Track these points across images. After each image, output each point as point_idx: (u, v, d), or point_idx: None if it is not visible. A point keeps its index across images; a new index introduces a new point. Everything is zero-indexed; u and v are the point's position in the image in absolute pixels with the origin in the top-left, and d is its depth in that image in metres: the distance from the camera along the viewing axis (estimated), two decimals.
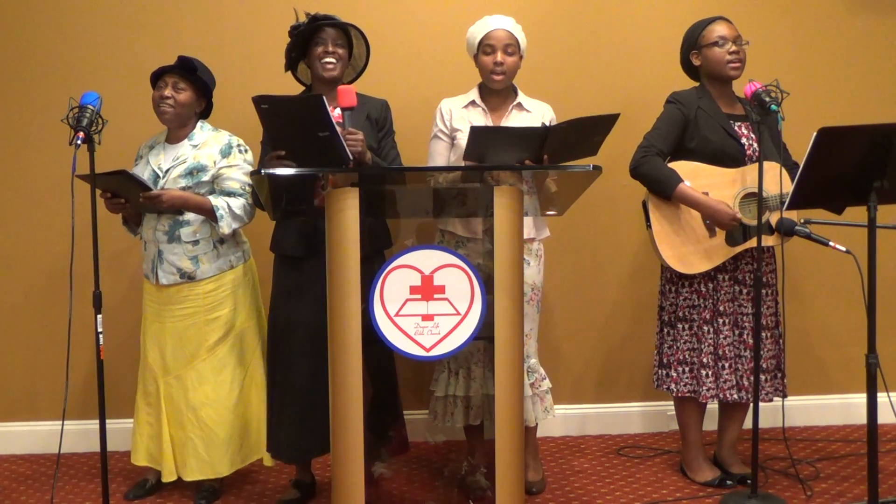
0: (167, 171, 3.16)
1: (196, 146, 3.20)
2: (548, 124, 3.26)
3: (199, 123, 3.26)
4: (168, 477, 3.24)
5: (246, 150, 3.25)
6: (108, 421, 2.95)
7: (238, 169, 3.19)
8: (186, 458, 3.23)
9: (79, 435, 3.76)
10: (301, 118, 2.68)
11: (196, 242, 3.17)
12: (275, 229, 3.20)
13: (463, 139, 3.18)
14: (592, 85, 3.92)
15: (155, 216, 3.17)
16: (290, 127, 2.72)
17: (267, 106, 2.64)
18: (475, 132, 2.78)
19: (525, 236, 3.24)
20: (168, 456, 3.23)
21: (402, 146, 3.30)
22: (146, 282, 3.28)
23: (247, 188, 3.19)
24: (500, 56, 3.15)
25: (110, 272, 3.73)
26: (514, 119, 3.25)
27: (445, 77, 3.74)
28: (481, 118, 3.22)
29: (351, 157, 2.76)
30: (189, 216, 3.15)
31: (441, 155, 3.26)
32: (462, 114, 3.24)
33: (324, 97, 2.64)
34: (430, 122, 3.33)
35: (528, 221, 3.23)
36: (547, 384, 3.36)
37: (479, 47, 3.19)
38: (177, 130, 3.23)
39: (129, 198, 3.05)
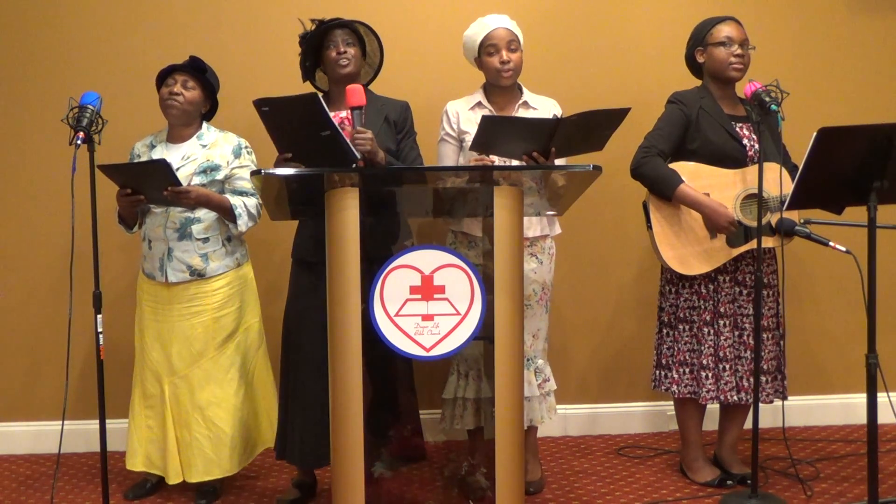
0: (177, 169, 3.16)
1: (206, 146, 3.22)
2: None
3: (205, 125, 3.28)
4: (174, 479, 3.23)
5: (251, 152, 3.30)
6: (108, 421, 2.95)
7: (248, 170, 3.25)
8: (192, 459, 3.22)
9: (79, 435, 3.76)
10: (302, 118, 2.68)
11: (206, 240, 3.18)
12: (296, 233, 3.23)
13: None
14: (594, 85, 3.92)
15: (164, 214, 3.17)
16: (292, 128, 2.73)
17: (267, 108, 2.65)
18: (486, 122, 2.78)
19: (538, 233, 3.25)
20: (174, 458, 3.22)
21: None
22: (146, 281, 3.27)
23: (256, 188, 3.22)
24: (505, 55, 3.15)
25: (109, 270, 3.73)
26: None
27: (449, 79, 3.73)
28: None
29: (359, 156, 2.77)
30: (200, 213, 3.16)
31: (450, 158, 3.26)
32: (469, 116, 3.24)
33: (318, 95, 2.65)
34: (435, 123, 3.32)
35: (540, 218, 3.24)
36: (551, 386, 3.36)
37: (482, 49, 3.19)
38: (181, 129, 3.24)
39: (147, 193, 3.04)
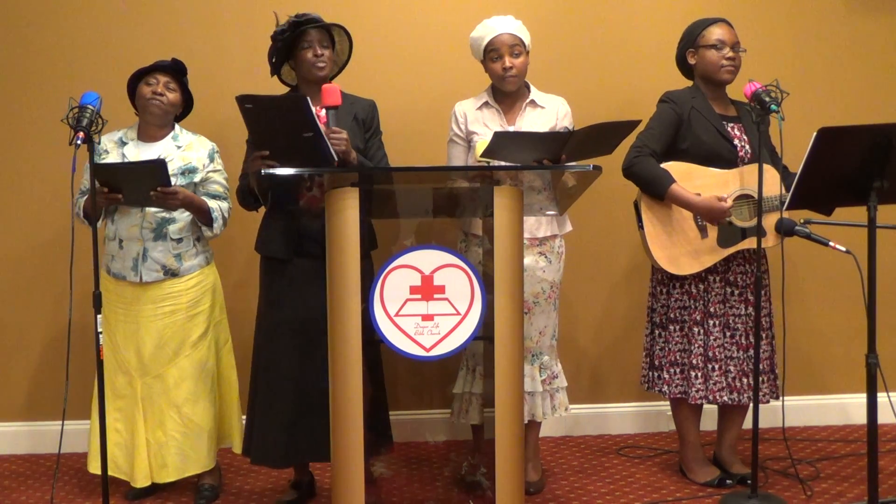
0: None
1: (181, 147, 3.23)
2: (561, 117, 3.27)
3: (177, 126, 3.29)
4: (142, 482, 3.21)
5: (219, 156, 3.33)
6: (107, 421, 2.95)
7: (220, 174, 3.29)
8: (166, 458, 3.21)
9: (79, 435, 3.75)
10: (285, 118, 2.69)
11: (181, 240, 3.20)
12: (260, 229, 3.22)
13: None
14: (592, 85, 3.92)
15: (140, 214, 3.15)
16: (273, 127, 2.73)
17: (251, 106, 2.65)
18: (498, 137, 2.79)
19: (548, 234, 3.25)
20: (142, 461, 3.20)
21: (402, 149, 3.30)
22: (112, 281, 3.22)
23: (227, 192, 3.28)
24: (508, 61, 3.15)
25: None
26: (528, 117, 3.25)
27: (452, 80, 3.72)
28: (496, 119, 3.22)
29: (335, 156, 2.77)
30: (176, 213, 3.17)
31: (459, 159, 3.26)
32: (477, 116, 3.25)
33: (307, 98, 2.65)
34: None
35: (550, 219, 3.25)
36: (559, 383, 3.36)
37: (486, 53, 3.19)
38: (155, 129, 3.24)
39: (127, 193, 3.03)
